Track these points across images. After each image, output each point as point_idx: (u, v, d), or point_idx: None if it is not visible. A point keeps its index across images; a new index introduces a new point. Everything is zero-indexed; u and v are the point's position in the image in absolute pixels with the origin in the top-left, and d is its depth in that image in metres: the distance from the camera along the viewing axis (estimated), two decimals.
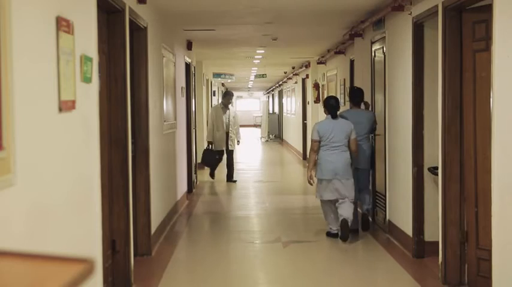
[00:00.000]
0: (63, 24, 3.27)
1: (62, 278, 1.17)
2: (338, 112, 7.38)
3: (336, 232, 7.26)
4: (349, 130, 7.18)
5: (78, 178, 3.64)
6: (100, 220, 4.12)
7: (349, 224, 7.07)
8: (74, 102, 3.48)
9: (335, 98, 7.61)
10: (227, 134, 12.91)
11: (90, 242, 3.90)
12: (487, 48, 4.70)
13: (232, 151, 13.05)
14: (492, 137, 4.25)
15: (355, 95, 7.87)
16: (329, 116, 7.30)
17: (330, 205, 7.26)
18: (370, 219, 7.87)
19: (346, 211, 7.08)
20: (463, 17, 5.23)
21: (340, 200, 7.12)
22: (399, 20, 6.85)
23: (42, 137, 2.98)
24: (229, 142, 12.91)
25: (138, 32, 6.29)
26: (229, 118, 12.99)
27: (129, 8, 5.44)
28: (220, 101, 18.00)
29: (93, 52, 3.97)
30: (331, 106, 7.31)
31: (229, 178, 13.02)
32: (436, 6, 5.45)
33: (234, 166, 13.34)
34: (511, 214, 4.03)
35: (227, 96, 13.26)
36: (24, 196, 2.72)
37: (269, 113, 30.69)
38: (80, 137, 3.70)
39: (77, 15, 3.58)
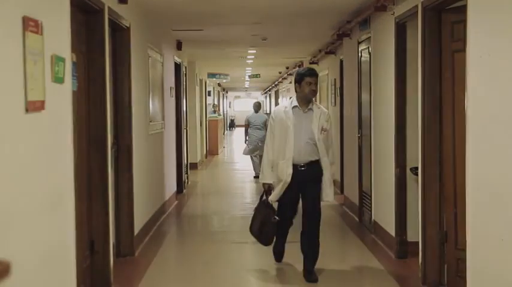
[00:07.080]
0: (30, 24, 3.26)
1: None
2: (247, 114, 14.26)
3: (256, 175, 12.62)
4: (265, 119, 13.41)
5: (49, 179, 3.62)
6: (73, 221, 4.10)
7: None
8: (43, 102, 3.46)
9: (259, 103, 14.40)
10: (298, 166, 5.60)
11: (63, 244, 3.88)
12: (465, 48, 4.69)
13: (318, 206, 5.72)
14: (466, 136, 4.24)
15: (258, 107, 14.09)
16: (254, 111, 13.94)
17: (255, 159, 13.45)
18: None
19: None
20: (442, 18, 5.22)
21: (258, 156, 13.11)
22: (383, 20, 6.84)
23: (5, 138, 2.96)
24: (311, 184, 5.66)
25: (121, 32, 6.27)
26: (308, 131, 5.64)
27: (109, 8, 5.42)
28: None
29: (66, 52, 3.95)
30: (256, 107, 14.02)
31: (306, 272, 5.73)
32: (417, 6, 5.45)
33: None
34: (485, 214, 4.01)
35: (302, 80, 5.64)
36: None
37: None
38: (51, 137, 3.68)
39: (47, 15, 3.56)
